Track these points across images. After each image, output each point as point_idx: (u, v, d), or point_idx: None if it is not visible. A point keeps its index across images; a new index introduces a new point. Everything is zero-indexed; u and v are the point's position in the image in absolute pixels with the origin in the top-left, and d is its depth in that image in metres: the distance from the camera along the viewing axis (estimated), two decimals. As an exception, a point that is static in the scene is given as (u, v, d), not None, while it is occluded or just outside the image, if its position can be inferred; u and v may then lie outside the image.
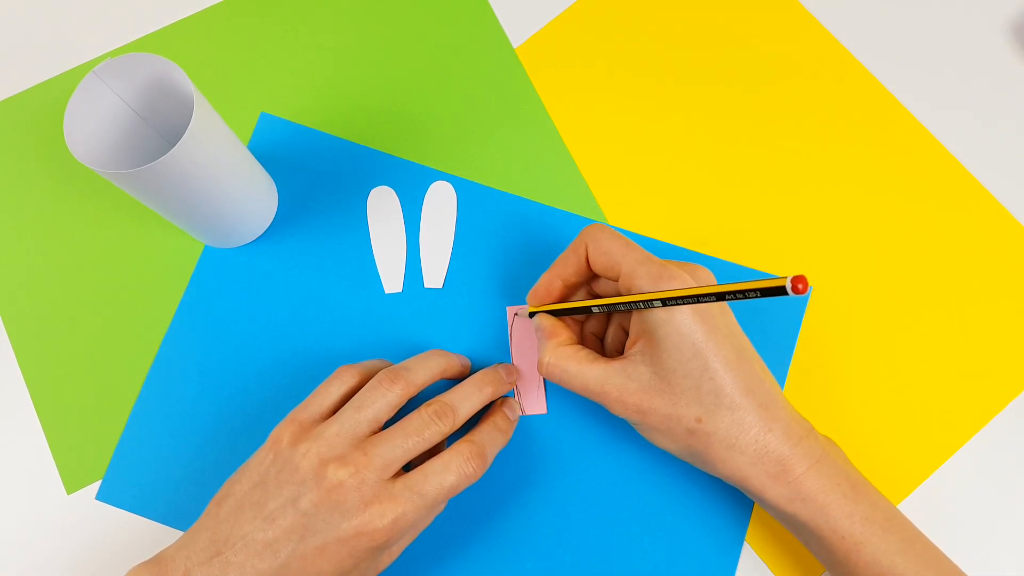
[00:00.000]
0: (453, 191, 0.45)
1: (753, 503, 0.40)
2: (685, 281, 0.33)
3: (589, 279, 0.38)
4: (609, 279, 0.36)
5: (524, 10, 0.49)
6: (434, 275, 0.43)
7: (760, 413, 0.33)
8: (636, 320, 0.35)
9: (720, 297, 0.28)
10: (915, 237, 0.44)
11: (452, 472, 0.34)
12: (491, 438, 0.36)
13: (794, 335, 0.42)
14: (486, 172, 0.46)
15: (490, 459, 0.35)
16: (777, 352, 0.42)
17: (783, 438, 0.33)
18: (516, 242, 0.44)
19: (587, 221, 0.44)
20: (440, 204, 0.45)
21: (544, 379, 0.41)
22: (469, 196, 0.45)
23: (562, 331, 0.37)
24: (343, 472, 0.32)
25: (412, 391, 0.36)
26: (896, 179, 0.45)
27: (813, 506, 0.33)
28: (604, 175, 0.46)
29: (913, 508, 0.40)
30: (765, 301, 0.43)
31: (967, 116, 0.47)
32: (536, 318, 0.39)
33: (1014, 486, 0.41)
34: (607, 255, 0.35)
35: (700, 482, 0.40)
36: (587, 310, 0.36)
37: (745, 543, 0.39)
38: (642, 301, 0.32)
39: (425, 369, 0.37)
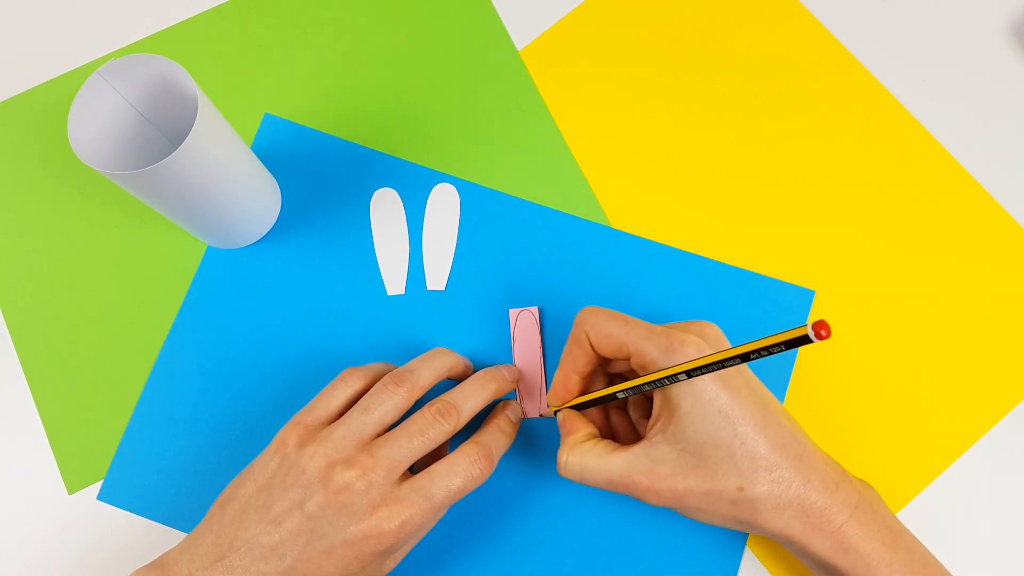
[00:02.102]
0: (456, 193, 0.45)
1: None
2: (698, 345, 0.32)
3: (603, 364, 0.37)
4: (620, 360, 0.35)
5: (528, 13, 0.49)
6: (437, 277, 0.43)
7: (796, 467, 0.32)
8: (657, 398, 0.33)
9: (745, 358, 0.27)
10: (917, 240, 0.44)
11: (459, 474, 0.33)
12: (496, 440, 0.36)
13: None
14: (489, 174, 0.46)
15: (496, 461, 0.35)
16: (779, 357, 0.42)
17: (822, 488, 0.32)
18: (519, 245, 0.44)
19: (590, 224, 0.44)
20: (443, 206, 0.45)
21: (544, 384, 0.41)
22: (472, 198, 0.45)
23: (581, 425, 0.36)
24: (350, 474, 0.32)
25: (418, 393, 0.36)
26: (897, 181, 0.45)
27: (855, 556, 0.32)
28: (607, 178, 0.46)
29: (916, 512, 0.40)
30: (766, 304, 0.43)
31: (967, 116, 0.46)
32: (559, 416, 0.37)
33: (1017, 491, 0.40)
34: (609, 338, 0.34)
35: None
36: (612, 397, 0.35)
37: (746, 548, 0.39)
38: (667, 377, 0.31)
39: (430, 369, 0.37)
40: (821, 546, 0.32)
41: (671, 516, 0.39)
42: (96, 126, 0.37)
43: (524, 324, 0.41)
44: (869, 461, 0.41)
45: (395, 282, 0.43)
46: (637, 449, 0.33)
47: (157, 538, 0.40)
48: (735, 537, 0.39)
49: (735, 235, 0.44)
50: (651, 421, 0.34)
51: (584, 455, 0.34)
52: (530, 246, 0.44)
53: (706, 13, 0.49)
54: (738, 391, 0.32)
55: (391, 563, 0.34)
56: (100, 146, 0.37)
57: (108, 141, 0.37)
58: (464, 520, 0.40)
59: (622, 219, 0.45)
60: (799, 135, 0.46)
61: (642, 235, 0.44)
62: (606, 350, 0.34)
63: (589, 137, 0.46)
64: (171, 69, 0.36)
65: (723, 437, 0.31)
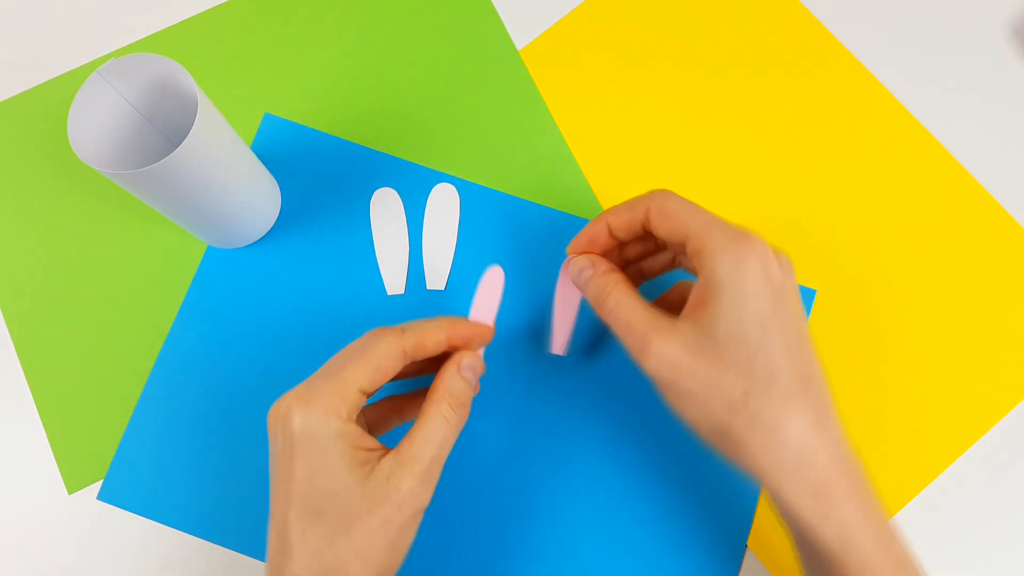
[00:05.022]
0: (456, 193, 0.45)
1: (755, 507, 0.39)
2: (764, 244, 0.30)
3: (637, 238, 0.35)
4: (673, 243, 0.33)
5: (528, 12, 0.49)
6: (437, 277, 0.43)
7: (814, 410, 0.29)
8: (700, 283, 0.31)
9: None
10: (917, 240, 0.44)
11: (363, 343, 0.32)
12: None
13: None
14: (489, 174, 0.46)
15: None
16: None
17: (832, 447, 0.29)
18: (518, 244, 0.44)
19: (590, 224, 0.44)
20: (443, 206, 0.45)
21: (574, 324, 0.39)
22: (472, 198, 0.45)
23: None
24: (293, 395, 0.31)
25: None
26: (898, 181, 0.45)
27: (849, 532, 0.29)
28: (607, 178, 0.46)
29: (916, 513, 0.40)
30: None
31: (968, 116, 0.47)
32: (586, 255, 0.35)
33: (1017, 492, 0.40)
34: (674, 216, 0.32)
35: (703, 487, 0.40)
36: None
37: (747, 548, 0.39)
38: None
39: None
40: (811, 511, 0.29)
41: (671, 516, 0.39)
42: (96, 126, 0.37)
43: (490, 281, 0.38)
44: (869, 461, 0.40)
45: (395, 282, 0.43)
46: (667, 317, 0.31)
47: (157, 538, 0.40)
48: (735, 537, 0.39)
49: (735, 235, 0.44)
50: (686, 308, 0.31)
51: (622, 284, 0.33)
52: (530, 245, 0.44)
53: (707, 13, 0.49)
54: (784, 308, 0.30)
55: (396, 462, 0.31)
56: (100, 146, 0.37)
57: (108, 141, 0.37)
58: (464, 520, 0.40)
59: (622, 219, 0.45)
60: (799, 136, 0.46)
61: (642, 235, 0.44)
62: (664, 229, 0.32)
63: (589, 136, 0.46)
64: (171, 69, 0.36)
65: (751, 339, 0.29)
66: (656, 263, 0.37)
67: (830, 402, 0.30)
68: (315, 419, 0.30)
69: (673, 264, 0.37)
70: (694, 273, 0.32)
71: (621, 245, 0.36)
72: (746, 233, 0.30)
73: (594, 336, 0.42)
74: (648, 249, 0.37)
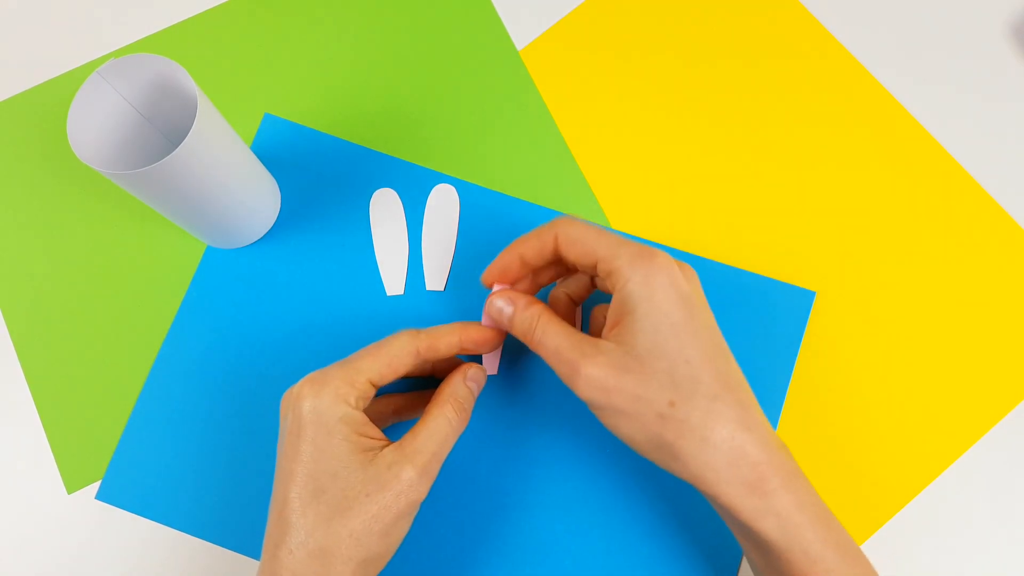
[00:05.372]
0: (456, 194, 0.45)
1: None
2: (667, 258, 0.31)
3: (548, 264, 0.37)
4: (584, 268, 0.34)
5: (528, 13, 0.49)
6: (436, 277, 0.43)
7: (738, 410, 0.31)
8: (614, 303, 0.33)
9: None
10: (917, 241, 0.44)
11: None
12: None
13: (797, 341, 0.42)
14: (489, 175, 0.46)
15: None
16: (779, 357, 0.42)
17: (760, 443, 0.30)
18: (518, 245, 0.44)
19: (590, 224, 0.44)
20: (442, 207, 0.45)
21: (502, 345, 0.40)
22: (471, 199, 0.45)
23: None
24: (305, 387, 0.33)
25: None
26: (898, 182, 0.45)
27: (788, 524, 0.30)
28: (607, 179, 0.46)
29: (916, 512, 0.40)
30: (766, 304, 0.43)
31: (968, 117, 0.47)
32: (503, 292, 0.37)
33: (1017, 492, 0.40)
34: (580, 243, 0.33)
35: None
36: None
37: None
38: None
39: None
40: (751, 507, 0.30)
41: (671, 517, 0.39)
42: (96, 126, 0.37)
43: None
44: (869, 461, 0.41)
45: (394, 282, 0.43)
46: (589, 340, 0.33)
47: (155, 538, 0.40)
48: (734, 540, 0.39)
49: (735, 236, 0.44)
50: (605, 329, 0.33)
51: (545, 315, 0.34)
52: (530, 246, 0.44)
53: (707, 14, 0.49)
54: (696, 319, 0.31)
55: (399, 454, 0.32)
56: (100, 146, 0.37)
57: (108, 141, 0.37)
58: (463, 520, 0.40)
59: (622, 219, 0.45)
60: (799, 136, 0.46)
61: (642, 235, 0.44)
62: (573, 255, 0.34)
63: (589, 137, 0.46)
64: (171, 69, 0.36)
65: (669, 351, 0.30)
66: (580, 288, 0.38)
67: (753, 402, 0.32)
68: (325, 402, 0.32)
69: (593, 285, 0.38)
70: (609, 293, 0.33)
71: (535, 272, 0.37)
72: (651, 250, 0.32)
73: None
74: (559, 272, 0.38)
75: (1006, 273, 0.43)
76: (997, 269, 0.44)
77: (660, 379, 0.31)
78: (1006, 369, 0.42)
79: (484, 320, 0.37)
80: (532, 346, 0.35)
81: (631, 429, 0.32)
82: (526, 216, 0.44)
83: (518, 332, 0.35)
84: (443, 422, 0.34)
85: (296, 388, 0.33)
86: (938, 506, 0.40)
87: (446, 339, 0.35)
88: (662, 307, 0.31)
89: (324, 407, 0.32)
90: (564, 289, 0.38)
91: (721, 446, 0.30)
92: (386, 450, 0.32)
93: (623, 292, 0.32)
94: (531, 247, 0.35)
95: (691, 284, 0.32)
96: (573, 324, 0.38)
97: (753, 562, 0.34)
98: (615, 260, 0.32)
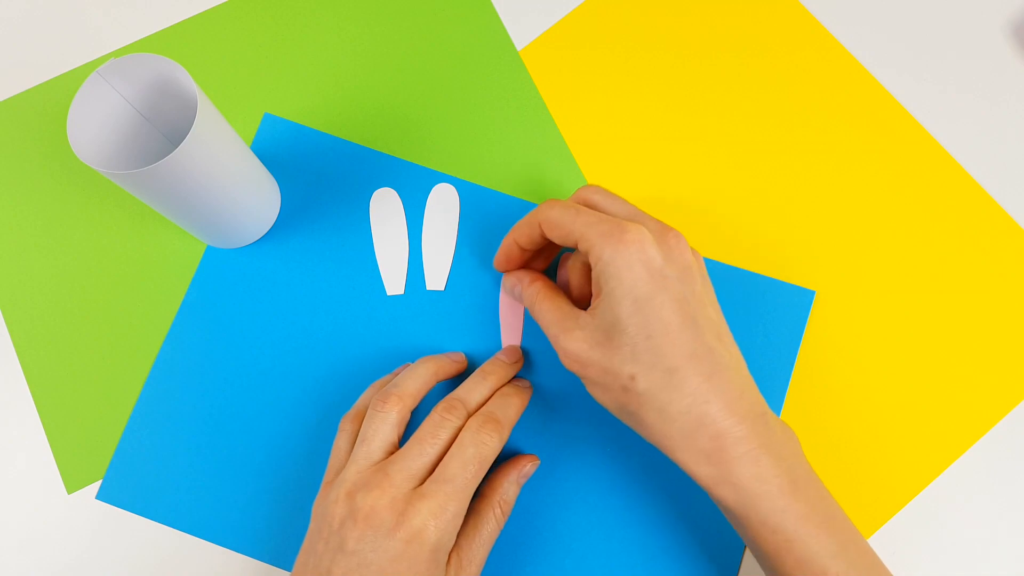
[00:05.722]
0: (456, 193, 0.45)
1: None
2: (639, 231, 0.32)
3: (542, 248, 0.39)
4: (570, 246, 0.36)
5: (528, 12, 0.49)
6: (436, 277, 0.43)
7: (700, 382, 0.31)
8: (592, 278, 0.34)
9: None
10: (917, 241, 0.44)
11: (468, 446, 0.33)
12: (499, 404, 0.36)
13: (797, 340, 0.42)
14: (489, 175, 0.46)
15: (506, 423, 0.35)
16: (779, 358, 0.42)
17: (724, 412, 0.31)
18: (518, 245, 0.44)
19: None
20: (443, 206, 0.45)
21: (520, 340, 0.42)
22: (472, 198, 0.45)
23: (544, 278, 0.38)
24: (371, 496, 0.32)
25: (409, 402, 0.36)
26: (897, 182, 0.45)
27: (744, 494, 0.31)
28: (607, 178, 0.46)
29: (916, 513, 0.40)
30: (766, 304, 0.43)
31: (968, 117, 0.46)
32: (513, 275, 0.40)
33: (1017, 492, 0.40)
34: (559, 225, 0.34)
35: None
36: None
37: (747, 548, 0.39)
38: None
39: (414, 378, 0.37)
40: (707, 475, 0.31)
41: (671, 516, 0.39)
42: (95, 125, 0.37)
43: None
44: (869, 461, 0.41)
45: (394, 282, 0.43)
46: (574, 314, 0.35)
47: (156, 538, 0.40)
48: (735, 537, 0.39)
49: (735, 235, 0.44)
50: (593, 299, 0.35)
51: (542, 291, 0.37)
52: (530, 246, 0.44)
53: (706, 14, 0.49)
54: (666, 291, 0.32)
55: (455, 564, 0.34)
56: (99, 146, 0.37)
57: (107, 141, 0.37)
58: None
59: (622, 219, 0.45)
60: (798, 136, 0.46)
61: (642, 235, 0.44)
62: (555, 237, 0.35)
63: (589, 137, 0.46)
64: (171, 69, 0.36)
65: (630, 325, 0.31)
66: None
67: (725, 373, 0.32)
68: (446, 536, 0.33)
69: None
70: None
71: (535, 254, 0.40)
72: (622, 226, 0.32)
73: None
74: (555, 252, 0.40)
75: (1006, 273, 0.44)
76: (997, 269, 0.44)
77: (623, 353, 0.32)
78: (1006, 369, 0.42)
79: (502, 297, 0.42)
80: (536, 320, 0.37)
81: (604, 399, 0.34)
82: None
83: (527, 307, 0.38)
84: (493, 526, 0.35)
85: (363, 500, 0.32)
86: (938, 506, 0.40)
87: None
88: (626, 283, 0.32)
89: (445, 542, 0.32)
90: (581, 257, 0.39)
91: (679, 418, 0.31)
92: (448, 566, 0.33)
93: (596, 269, 0.33)
94: (523, 234, 0.37)
95: (667, 258, 0.33)
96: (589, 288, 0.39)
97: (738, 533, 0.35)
98: (589, 237, 0.33)
